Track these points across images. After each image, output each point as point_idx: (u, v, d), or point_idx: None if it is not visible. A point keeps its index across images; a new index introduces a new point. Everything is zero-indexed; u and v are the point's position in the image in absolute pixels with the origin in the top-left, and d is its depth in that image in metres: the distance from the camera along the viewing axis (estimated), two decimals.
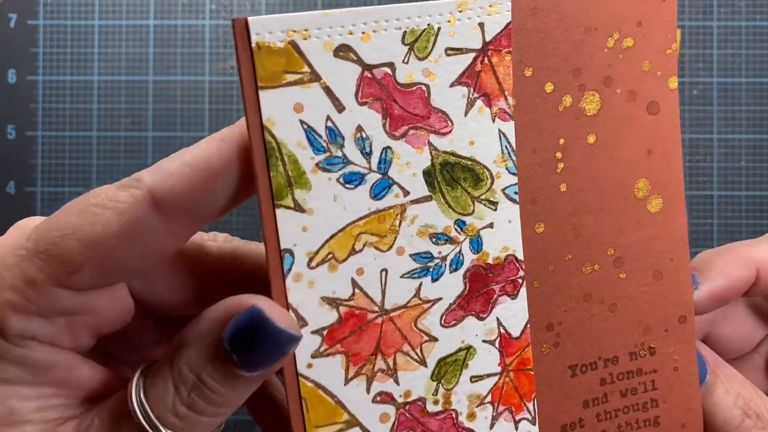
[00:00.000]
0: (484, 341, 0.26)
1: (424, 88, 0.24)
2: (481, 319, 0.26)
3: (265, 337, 0.22)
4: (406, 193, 0.25)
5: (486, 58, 0.25)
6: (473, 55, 0.25)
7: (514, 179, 0.26)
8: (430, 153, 0.25)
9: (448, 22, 0.24)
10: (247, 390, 0.23)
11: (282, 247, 0.23)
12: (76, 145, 0.51)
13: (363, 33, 0.23)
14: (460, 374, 0.26)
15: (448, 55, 0.24)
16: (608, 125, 0.27)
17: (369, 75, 0.24)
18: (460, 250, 0.26)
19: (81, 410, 0.24)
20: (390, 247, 0.25)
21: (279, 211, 0.23)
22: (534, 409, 0.28)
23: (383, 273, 0.25)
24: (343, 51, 0.23)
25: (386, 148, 0.24)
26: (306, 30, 0.23)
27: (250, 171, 0.23)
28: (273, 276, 0.23)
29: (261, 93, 0.22)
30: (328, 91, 0.23)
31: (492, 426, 0.27)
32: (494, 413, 0.27)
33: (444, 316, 0.26)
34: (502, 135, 0.26)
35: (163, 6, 0.51)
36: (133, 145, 0.51)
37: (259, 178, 0.23)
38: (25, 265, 0.22)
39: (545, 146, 0.27)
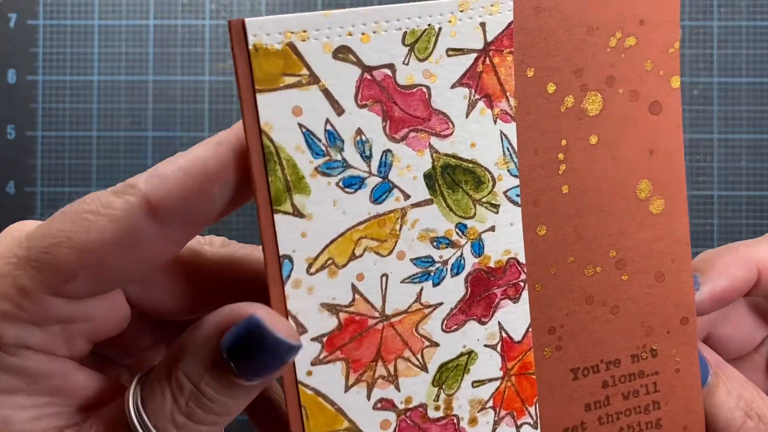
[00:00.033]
0: (485, 346, 0.25)
1: (424, 89, 0.23)
2: (483, 323, 0.25)
3: (264, 347, 0.21)
4: (407, 196, 0.24)
5: (487, 59, 0.24)
6: (474, 55, 0.24)
7: (516, 181, 0.25)
8: (431, 156, 0.24)
9: (449, 22, 0.23)
10: (246, 398, 0.22)
11: (281, 253, 0.22)
12: (75, 145, 0.50)
13: (363, 34, 0.22)
14: (462, 379, 0.25)
15: (449, 55, 0.23)
16: (610, 126, 0.27)
17: (369, 77, 0.22)
18: (462, 254, 0.25)
19: (77, 419, 0.23)
20: (390, 252, 0.24)
21: (277, 217, 0.22)
22: (536, 413, 0.27)
23: (384, 278, 0.24)
24: (342, 52, 0.22)
25: (386, 151, 0.23)
26: (304, 31, 0.22)
27: (247, 175, 0.22)
28: (272, 283, 0.22)
29: (258, 96, 0.21)
30: (327, 93, 0.22)
31: (494, 431, 0.26)
32: (496, 418, 0.26)
33: (445, 321, 0.25)
34: (503, 136, 0.25)
35: (163, 6, 0.50)
36: (133, 145, 0.50)
37: (257, 183, 0.22)
38: (17, 274, 0.21)
39: (547, 147, 0.26)
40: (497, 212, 0.25)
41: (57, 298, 0.22)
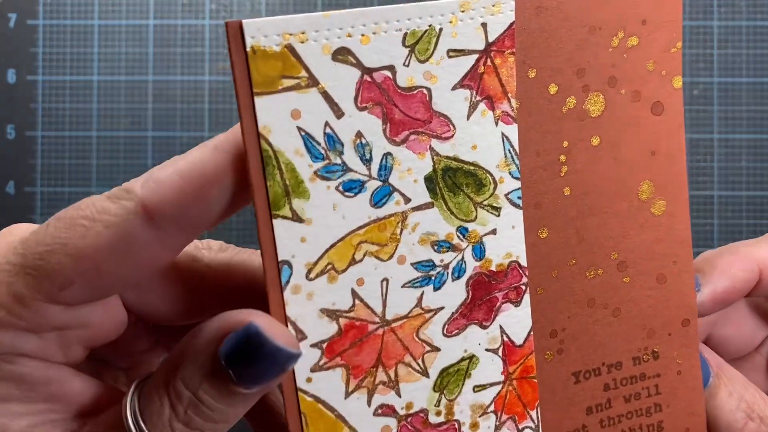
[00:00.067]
0: (487, 350, 0.25)
1: (425, 91, 0.22)
2: (484, 327, 0.24)
3: (263, 355, 0.20)
4: (407, 200, 0.23)
5: (489, 60, 0.23)
6: (476, 56, 0.23)
7: (518, 184, 0.24)
8: (432, 158, 0.23)
9: (450, 22, 0.22)
10: (245, 406, 0.22)
11: (280, 258, 0.21)
12: (75, 145, 0.49)
13: (362, 35, 0.21)
14: (463, 384, 0.24)
15: (449, 56, 0.23)
16: (613, 127, 0.26)
17: (369, 79, 0.22)
18: (463, 258, 0.24)
19: (74, 426, 0.23)
20: (391, 256, 0.23)
21: (276, 222, 0.21)
22: (537, 417, 0.26)
23: (384, 283, 0.23)
24: (341, 54, 0.21)
25: (387, 155, 0.22)
26: (303, 33, 0.21)
27: (245, 179, 0.21)
28: (270, 289, 0.21)
29: (257, 99, 0.21)
30: (326, 96, 0.21)
31: None
32: (497, 422, 0.25)
33: (446, 326, 0.24)
34: (505, 138, 0.24)
35: (163, 6, 0.49)
36: (133, 145, 0.49)
37: (256, 188, 0.21)
38: (12, 281, 0.21)
39: (549, 149, 0.25)
40: (498, 215, 0.24)
41: (52, 305, 0.21)
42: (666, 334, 0.28)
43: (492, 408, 0.25)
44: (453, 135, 0.23)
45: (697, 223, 0.48)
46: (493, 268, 0.24)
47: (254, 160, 0.21)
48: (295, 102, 0.21)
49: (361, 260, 0.23)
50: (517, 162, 0.24)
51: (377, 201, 0.23)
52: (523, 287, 0.25)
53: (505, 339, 0.25)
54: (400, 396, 0.24)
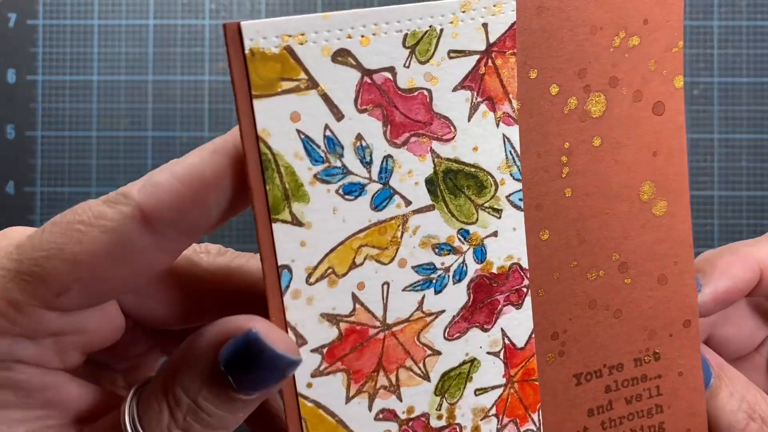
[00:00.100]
0: (488, 353, 0.24)
1: (426, 93, 0.22)
2: (486, 330, 0.24)
3: (262, 362, 0.20)
4: (408, 202, 0.22)
5: (490, 60, 0.22)
6: (477, 57, 0.22)
7: (519, 185, 0.24)
8: (433, 161, 0.22)
9: (451, 23, 0.22)
10: (245, 412, 0.21)
11: (279, 263, 0.21)
12: (75, 145, 0.48)
13: (362, 36, 0.21)
14: (464, 388, 0.24)
15: (450, 57, 0.22)
16: (614, 127, 0.25)
17: (369, 80, 0.21)
18: (464, 260, 0.23)
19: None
20: (392, 260, 0.22)
21: (276, 226, 0.21)
22: (539, 420, 0.25)
23: (385, 286, 0.22)
24: (341, 56, 0.20)
25: (387, 157, 0.22)
26: (302, 34, 0.20)
27: (244, 182, 0.20)
28: (270, 293, 0.21)
29: (255, 102, 0.20)
30: (326, 98, 0.21)
31: None
32: (499, 426, 0.25)
33: (447, 329, 0.23)
34: (506, 140, 0.23)
35: (163, 6, 0.49)
36: (133, 145, 0.48)
37: (255, 191, 0.20)
38: (8, 287, 0.20)
39: (550, 150, 0.24)
40: (500, 217, 0.24)
41: (49, 311, 0.20)
42: (667, 335, 0.27)
43: (493, 411, 0.25)
44: (454, 137, 0.22)
45: (698, 223, 0.47)
46: (494, 270, 0.24)
47: (253, 163, 0.20)
48: (295, 104, 0.20)
49: (361, 264, 0.22)
50: (519, 163, 0.24)
51: (378, 204, 0.22)
52: (525, 289, 0.25)
53: (507, 342, 0.24)
54: (401, 400, 0.23)
